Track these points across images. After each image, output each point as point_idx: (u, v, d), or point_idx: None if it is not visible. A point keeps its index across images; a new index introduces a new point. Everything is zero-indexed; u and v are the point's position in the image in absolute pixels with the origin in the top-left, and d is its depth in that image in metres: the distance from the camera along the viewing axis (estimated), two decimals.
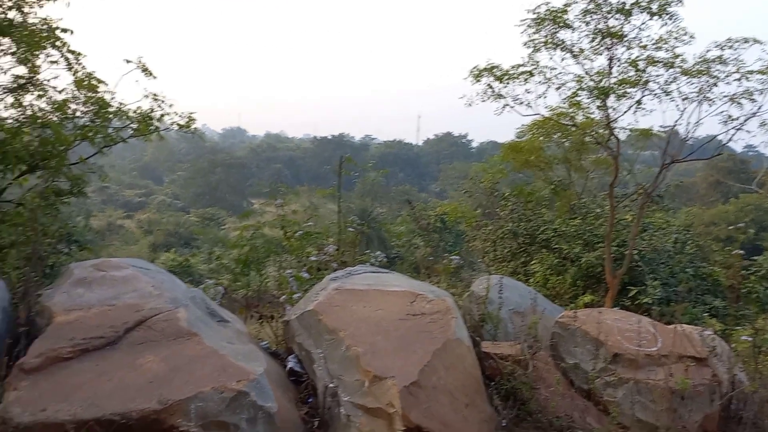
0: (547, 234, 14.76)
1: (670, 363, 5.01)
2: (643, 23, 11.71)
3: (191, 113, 9.71)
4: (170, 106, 9.36)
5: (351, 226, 7.75)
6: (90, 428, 3.65)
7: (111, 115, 9.12)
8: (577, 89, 11.81)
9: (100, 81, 8.86)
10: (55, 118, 8.62)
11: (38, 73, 8.13)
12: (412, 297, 5.37)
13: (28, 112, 8.61)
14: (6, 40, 7.75)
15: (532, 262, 14.91)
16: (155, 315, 4.80)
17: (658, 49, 11.63)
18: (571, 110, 12.89)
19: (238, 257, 7.46)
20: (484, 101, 12.13)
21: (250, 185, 70.86)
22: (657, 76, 11.54)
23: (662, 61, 11.49)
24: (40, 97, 8.28)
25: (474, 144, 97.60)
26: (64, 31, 8.11)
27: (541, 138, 16.55)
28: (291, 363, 5.24)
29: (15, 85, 8.09)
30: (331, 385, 4.62)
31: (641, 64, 11.51)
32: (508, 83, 11.86)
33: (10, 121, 8.68)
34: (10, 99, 8.18)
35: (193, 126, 9.81)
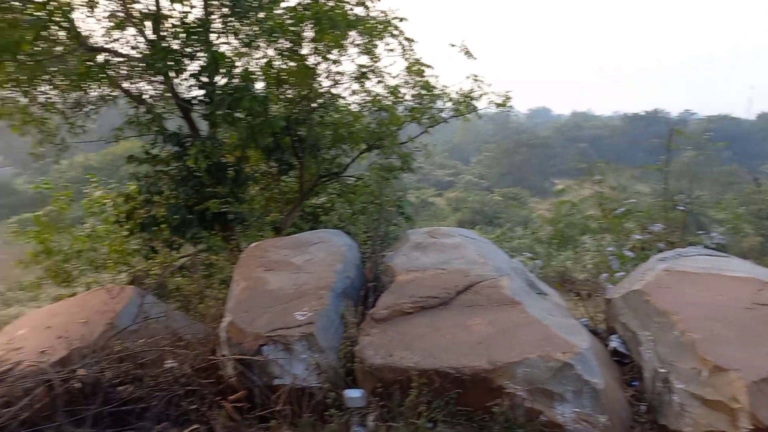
0: None
1: None
2: None
3: (507, 92, 9.94)
4: (489, 85, 9.70)
5: (679, 205, 7.12)
6: (429, 377, 4.04)
7: (435, 97, 9.81)
8: None
9: (426, 65, 9.56)
10: (389, 102, 9.61)
11: (378, 61, 9.11)
12: (760, 285, 4.75)
13: (368, 98, 9.74)
14: (353, 33, 8.84)
15: None
16: (481, 281, 5.08)
17: None
18: None
19: (554, 233, 7.45)
20: None
21: (553, 165, 69.92)
22: None
23: None
24: (379, 82, 9.28)
25: None
26: (401, 20, 8.94)
27: None
28: (614, 343, 5.06)
29: (359, 73, 9.19)
30: (661, 370, 4.35)
31: None
32: None
33: (353, 106, 9.94)
34: (355, 86, 9.33)
35: (508, 104, 10.03)
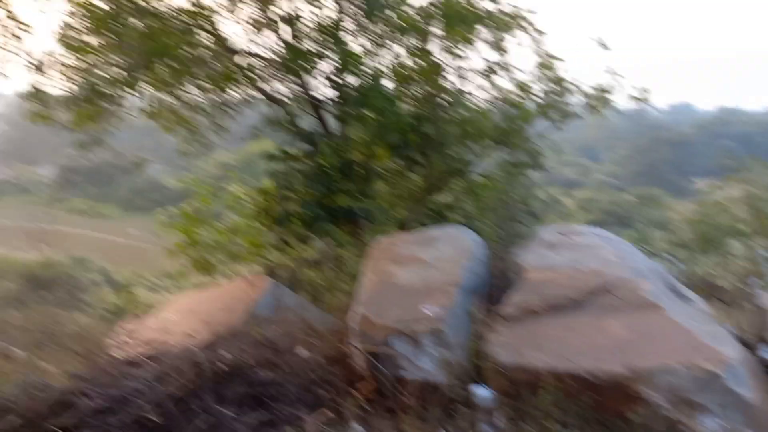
0: None
1: None
2: None
3: (645, 86, 9.43)
4: (624, 78, 9.25)
5: None
6: (562, 379, 3.90)
7: (566, 92, 9.48)
8: None
9: (557, 58, 9.27)
10: (516, 97, 9.42)
11: (507, 56, 8.96)
12: None
13: (495, 93, 9.60)
14: (482, 28, 8.75)
15: None
16: (618, 282, 4.82)
17: None
18: None
19: (698, 236, 6.97)
20: None
21: (694, 164, 65.34)
22: None
23: None
24: (508, 78, 9.12)
25: None
26: (531, 12, 8.73)
27: None
28: (766, 354, 4.63)
29: (487, 69, 9.08)
30: None
31: None
32: None
33: (481, 102, 9.84)
34: (483, 82, 9.23)
35: (646, 98, 9.50)
